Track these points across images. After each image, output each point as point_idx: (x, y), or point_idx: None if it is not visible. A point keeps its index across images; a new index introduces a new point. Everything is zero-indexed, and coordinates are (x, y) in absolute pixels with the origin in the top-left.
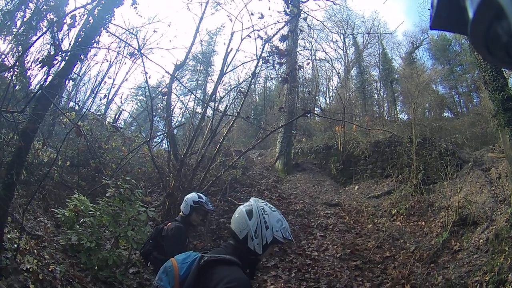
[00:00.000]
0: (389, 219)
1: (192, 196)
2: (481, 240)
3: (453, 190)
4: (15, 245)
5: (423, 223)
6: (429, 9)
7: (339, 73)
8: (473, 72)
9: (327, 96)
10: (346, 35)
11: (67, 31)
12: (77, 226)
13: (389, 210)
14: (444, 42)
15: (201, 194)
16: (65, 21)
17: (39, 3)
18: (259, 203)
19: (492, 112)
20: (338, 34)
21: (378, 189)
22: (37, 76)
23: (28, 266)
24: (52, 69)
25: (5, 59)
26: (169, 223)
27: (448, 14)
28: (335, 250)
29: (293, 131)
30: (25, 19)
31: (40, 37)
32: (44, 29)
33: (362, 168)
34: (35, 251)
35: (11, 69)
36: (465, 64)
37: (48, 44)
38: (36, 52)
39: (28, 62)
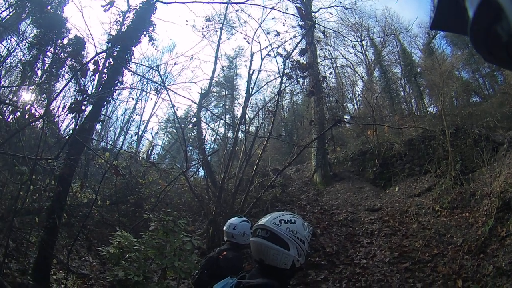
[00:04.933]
0: (433, 215)
1: (246, 225)
2: None
3: (492, 175)
4: (62, 286)
5: (467, 214)
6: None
7: (363, 77)
8: None
9: (354, 101)
10: (363, 37)
11: (92, 77)
12: (123, 262)
13: (432, 206)
14: None
15: (243, 218)
16: (88, 67)
17: (57, 51)
18: (279, 224)
19: None
20: (354, 38)
21: (418, 187)
22: (65, 121)
23: None
24: (81, 115)
25: (32, 108)
26: (224, 252)
27: (448, 14)
28: (383, 255)
29: (326, 144)
30: (45, 68)
31: (66, 85)
32: (68, 77)
33: (399, 168)
34: None
35: (41, 118)
36: None
37: (72, 89)
38: (61, 97)
39: (54, 108)
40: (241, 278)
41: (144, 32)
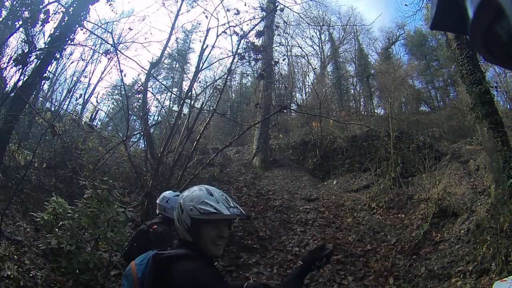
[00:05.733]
0: (368, 212)
1: (176, 199)
2: (462, 231)
3: (432, 182)
4: None
5: (403, 215)
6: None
7: (315, 68)
8: (450, 67)
9: (303, 92)
10: (322, 30)
11: (41, 27)
12: (56, 230)
13: (368, 203)
14: (420, 38)
15: (177, 192)
16: (39, 16)
17: (14, 1)
18: (184, 193)
19: (469, 106)
20: (314, 28)
21: (357, 183)
22: (13, 78)
23: (9, 273)
24: (27, 69)
25: None
26: (155, 226)
27: (448, 14)
28: (315, 245)
29: (270, 129)
30: (0, 19)
31: (13, 34)
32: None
33: (340, 162)
34: (15, 256)
35: None
36: (441, 59)
37: (23, 42)
38: (13, 52)
39: (4, 63)
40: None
41: None
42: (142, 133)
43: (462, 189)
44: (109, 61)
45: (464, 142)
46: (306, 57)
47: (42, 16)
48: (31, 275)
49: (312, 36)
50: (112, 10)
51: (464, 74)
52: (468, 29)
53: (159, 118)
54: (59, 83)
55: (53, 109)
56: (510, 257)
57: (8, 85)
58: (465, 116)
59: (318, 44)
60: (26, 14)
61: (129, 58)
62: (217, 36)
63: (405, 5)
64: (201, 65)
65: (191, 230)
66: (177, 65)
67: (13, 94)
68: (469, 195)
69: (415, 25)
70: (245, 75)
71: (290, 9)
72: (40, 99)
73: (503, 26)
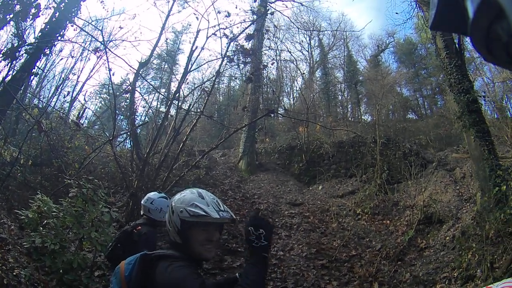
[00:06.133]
0: (354, 218)
1: (164, 201)
2: (447, 238)
3: (417, 189)
4: None
5: (388, 221)
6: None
7: (304, 74)
8: (438, 76)
9: (291, 96)
10: (312, 36)
11: (32, 21)
12: (41, 228)
13: (353, 209)
14: (409, 46)
15: (162, 194)
16: (30, 11)
17: None
18: (176, 196)
19: (457, 114)
20: (304, 33)
21: (342, 188)
22: (1, 72)
23: None
24: (16, 63)
25: None
26: (139, 227)
27: (448, 14)
28: (300, 250)
29: (256, 132)
30: None
31: (3, 27)
32: (12, 23)
33: (325, 168)
34: None
35: None
36: (430, 68)
37: (13, 35)
38: (2, 46)
39: None
40: None
41: None
42: (128, 133)
43: (448, 197)
44: (99, 59)
45: (450, 150)
46: (295, 62)
47: (33, 10)
48: (14, 273)
49: (302, 41)
50: (103, 8)
51: (453, 83)
52: (468, 29)
53: (146, 119)
54: (47, 79)
55: (40, 105)
56: (495, 264)
57: None
58: (452, 125)
59: (307, 49)
60: (17, 7)
61: (118, 56)
62: (207, 38)
63: (396, 13)
64: (189, 66)
65: (181, 232)
66: (166, 66)
67: (0, 89)
68: (454, 203)
69: (405, 33)
70: (233, 78)
71: (281, 13)
72: (28, 95)
73: (503, 26)
